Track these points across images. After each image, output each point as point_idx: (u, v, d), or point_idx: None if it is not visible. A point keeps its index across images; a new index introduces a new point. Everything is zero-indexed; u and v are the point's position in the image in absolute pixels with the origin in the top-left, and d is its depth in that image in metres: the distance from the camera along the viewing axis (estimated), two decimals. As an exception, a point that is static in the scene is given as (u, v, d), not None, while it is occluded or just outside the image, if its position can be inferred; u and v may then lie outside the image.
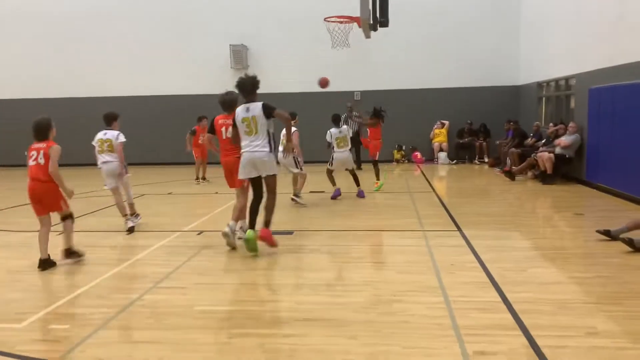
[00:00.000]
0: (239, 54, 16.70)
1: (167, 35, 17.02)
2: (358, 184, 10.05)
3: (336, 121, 10.17)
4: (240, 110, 6.16)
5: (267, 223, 6.15)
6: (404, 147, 16.66)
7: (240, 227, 6.69)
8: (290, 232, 7.17)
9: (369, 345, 3.62)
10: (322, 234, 7.17)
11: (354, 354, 3.51)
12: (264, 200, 6.24)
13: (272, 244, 6.16)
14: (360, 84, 16.71)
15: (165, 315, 4.32)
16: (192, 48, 16.97)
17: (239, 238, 6.54)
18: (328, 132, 10.01)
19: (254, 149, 6.02)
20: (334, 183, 10.07)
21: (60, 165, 5.65)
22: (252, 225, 6.12)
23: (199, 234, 7.26)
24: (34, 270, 5.65)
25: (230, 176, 6.73)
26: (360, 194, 9.96)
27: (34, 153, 5.65)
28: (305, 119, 16.38)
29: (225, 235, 6.29)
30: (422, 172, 14.18)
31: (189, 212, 9.09)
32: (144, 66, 17.10)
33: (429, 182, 12.19)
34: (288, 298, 4.66)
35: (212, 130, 6.92)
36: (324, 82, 9.29)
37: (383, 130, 11.07)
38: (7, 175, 14.99)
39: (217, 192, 11.06)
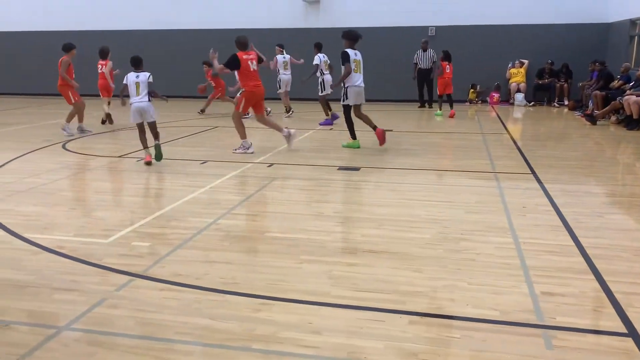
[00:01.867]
0: (311, -13, 16.34)
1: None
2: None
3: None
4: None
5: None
6: (478, 87, 16.02)
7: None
8: (356, 169, 7.20)
9: (434, 279, 3.66)
10: (389, 171, 7.15)
11: (419, 286, 3.57)
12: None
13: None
14: (433, 19, 15.98)
15: (238, 239, 4.54)
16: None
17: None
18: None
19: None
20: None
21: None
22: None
23: (269, 166, 7.43)
24: (116, 191, 6.03)
25: (258, 104, 8.39)
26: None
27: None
28: (377, 56, 16.09)
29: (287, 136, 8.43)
30: (496, 113, 13.65)
31: (260, 144, 9.28)
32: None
33: (503, 124, 11.74)
34: (354, 230, 4.75)
35: (234, 65, 8.03)
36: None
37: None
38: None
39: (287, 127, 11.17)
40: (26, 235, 4.59)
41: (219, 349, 2.84)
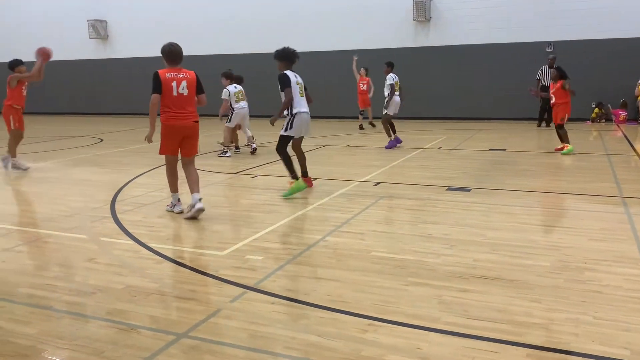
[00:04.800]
0: (422, 5, 16.25)
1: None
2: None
3: None
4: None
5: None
6: (602, 105, 14.90)
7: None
8: (467, 189, 6.97)
9: (555, 311, 3.41)
10: (503, 192, 6.83)
11: (537, 317, 3.34)
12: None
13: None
14: (551, 34, 15.17)
15: (345, 257, 4.56)
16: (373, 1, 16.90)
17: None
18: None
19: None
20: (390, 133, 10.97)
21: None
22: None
23: (375, 185, 7.42)
24: (231, 206, 6.34)
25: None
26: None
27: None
28: (486, 73, 15.58)
29: None
30: (623, 132, 12.58)
31: (367, 163, 9.32)
32: (317, 21, 17.46)
33: (631, 144, 10.79)
34: (464, 254, 4.57)
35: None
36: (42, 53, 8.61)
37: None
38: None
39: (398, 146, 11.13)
40: (151, 244, 4.95)
41: (326, 367, 2.85)
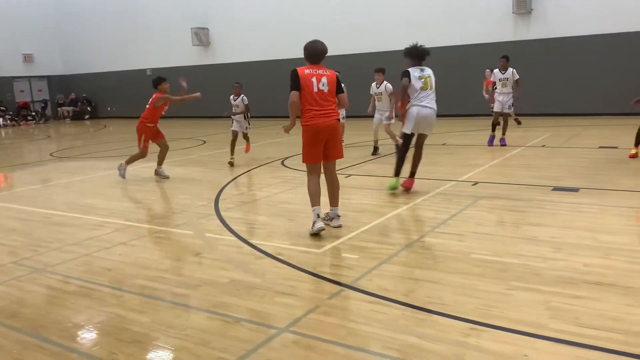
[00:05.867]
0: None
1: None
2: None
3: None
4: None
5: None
6: None
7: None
8: (575, 189, 6.54)
9: (679, 323, 3.12)
10: (615, 193, 6.34)
11: (659, 328, 3.07)
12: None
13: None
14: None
15: (443, 258, 4.45)
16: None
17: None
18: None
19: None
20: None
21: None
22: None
23: (474, 184, 7.18)
24: (326, 205, 6.42)
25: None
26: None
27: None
28: (595, 64, 14.54)
29: None
30: None
31: (464, 162, 9.05)
32: (417, 19, 17.19)
33: None
34: (574, 258, 4.29)
35: None
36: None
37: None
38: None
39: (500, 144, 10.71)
40: (252, 241, 5.14)
41: (427, 369, 2.80)
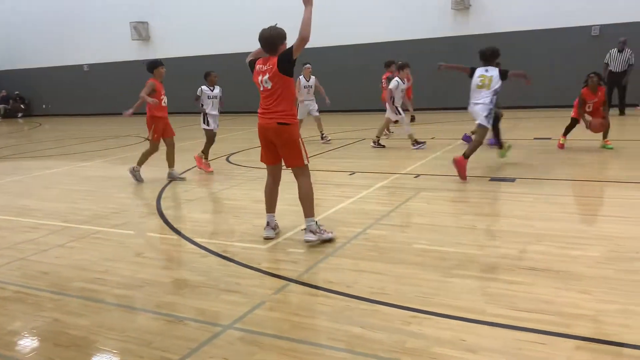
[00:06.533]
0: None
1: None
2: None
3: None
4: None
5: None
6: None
7: None
8: (512, 180, 6.82)
9: (604, 302, 3.31)
10: (549, 182, 6.65)
11: (586, 308, 3.25)
12: None
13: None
14: (598, 17, 14.58)
15: (386, 250, 4.54)
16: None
17: None
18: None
19: None
20: None
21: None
22: None
23: (416, 177, 7.35)
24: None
25: None
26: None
27: None
28: (533, 60, 15.15)
29: None
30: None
31: (408, 155, 9.23)
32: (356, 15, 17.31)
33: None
34: (510, 245, 4.48)
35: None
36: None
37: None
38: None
39: (433, 137, 10.99)
40: (196, 239, 5.06)
41: (370, 358, 2.86)
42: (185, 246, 4.93)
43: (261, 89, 4.67)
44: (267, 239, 4.88)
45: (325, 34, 17.74)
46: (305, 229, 4.74)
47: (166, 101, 7.90)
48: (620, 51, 12.88)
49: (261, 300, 3.64)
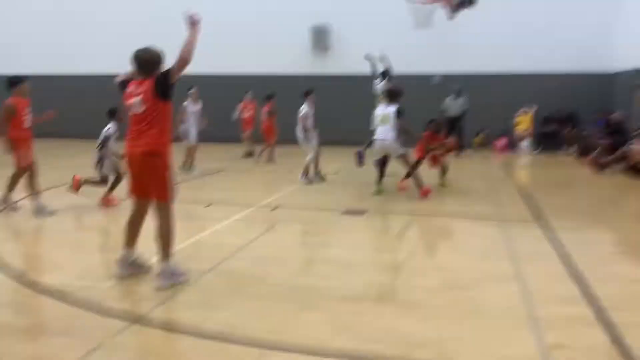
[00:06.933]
0: (321, 34, 16.73)
1: (244, 13, 17.26)
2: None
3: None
4: None
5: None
6: (484, 133, 16.11)
7: None
8: (362, 212, 7.16)
9: (441, 329, 3.56)
10: (394, 216, 7.09)
11: (426, 336, 3.46)
12: None
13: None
14: (439, 66, 16.23)
15: (240, 284, 4.45)
16: (270, 26, 17.09)
17: None
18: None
19: None
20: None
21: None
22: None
23: (273, 209, 7.40)
24: (116, 233, 6.02)
25: None
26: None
27: None
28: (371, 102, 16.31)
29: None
30: (502, 160, 13.67)
31: (267, 187, 9.29)
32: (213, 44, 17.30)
33: (509, 171, 11.73)
34: (359, 276, 4.66)
35: None
36: None
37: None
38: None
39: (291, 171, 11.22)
40: (28, 277, 4.53)
41: (215, 400, 2.74)
42: (14, 285, 4.38)
43: (130, 113, 4.29)
44: (120, 277, 4.46)
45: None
46: (159, 274, 4.27)
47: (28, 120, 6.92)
48: (456, 97, 14.37)
49: (98, 344, 3.34)
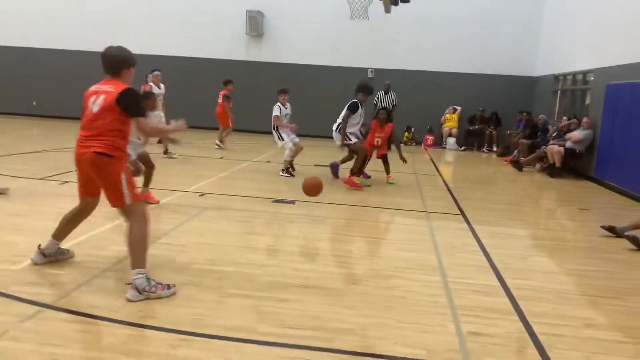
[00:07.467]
0: (255, 20, 16.46)
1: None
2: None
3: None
4: None
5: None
6: (412, 130, 16.53)
7: None
8: (292, 202, 7.13)
9: (364, 317, 3.60)
10: (323, 206, 7.11)
11: (349, 323, 3.49)
12: None
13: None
14: (373, 61, 16.47)
15: (163, 270, 4.29)
16: (206, 10, 16.65)
17: None
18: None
19: None
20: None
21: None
22: None
23: (201, 195, 7.22)
24: (33, 215, 5.65)
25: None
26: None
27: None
28: (315, 92, 16.30)
29: None
30: (429, 155, 14.08)
31: (195, 173, 9.05)
32: (152, 24, 16.73)
33: (435, 166, 12.10)
34: (285, 264, 4.63)
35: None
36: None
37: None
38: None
39: (222, 157, 11.02)
40: None
41: (130, 388, 2.62)
42: None
43: (87, 111, 3.89)
44: (36, 264, 4.11)
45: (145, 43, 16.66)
46: (130, 283, 3.72)
47: None
48: (386, 93, 14.63)
49: (4, 330, 3.11)
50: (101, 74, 3.95)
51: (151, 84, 11.44)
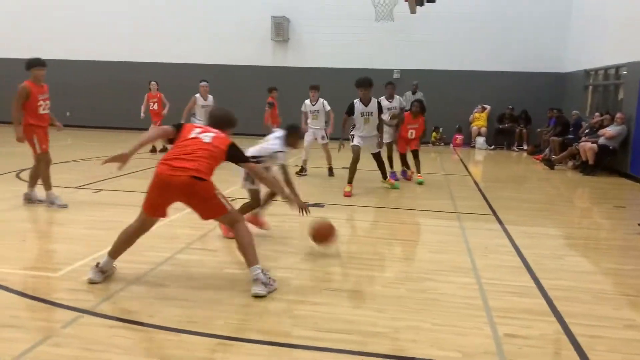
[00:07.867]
0: (280, 25, 16.57)
1: (206, 3, 16.96)
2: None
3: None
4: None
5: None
6: (441, 130, 16.38)
7: None
8: (321, 205, 7.14)
9: (397, 320, 3.58)
10: (353, 208, 7.12)
11: (381, 326, 3.48)
12: None
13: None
14: (399, 62, 16.39)
15: (196, 275, 4.37)
16: (232, 17, 16.84)
17: None
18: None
19: None
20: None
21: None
22: None
23: (232, 200, 7.27)
24: (69, 223, 5.79)
25: None
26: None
27: None
28: (341, 94, 16.31)
29: None
30: (458, 155, 13.93)
31: (226, 178, 9.11)
32: (177, 33, 17.02)
33: (465, 166, 11.97)
34: (318, 268, 4.65)
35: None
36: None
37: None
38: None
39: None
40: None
41: (169, 392, 2.67)
42: (-47, 276, 4.15)
43: (190, 136, 4.11)
44: (91, 282, 4.08)
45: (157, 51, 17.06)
46: (254, 280, 3.93)
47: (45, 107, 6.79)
48: (413, 93, 14.54)
49: (46, 336, 3.20)
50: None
51: (197, 95, 11.19)
